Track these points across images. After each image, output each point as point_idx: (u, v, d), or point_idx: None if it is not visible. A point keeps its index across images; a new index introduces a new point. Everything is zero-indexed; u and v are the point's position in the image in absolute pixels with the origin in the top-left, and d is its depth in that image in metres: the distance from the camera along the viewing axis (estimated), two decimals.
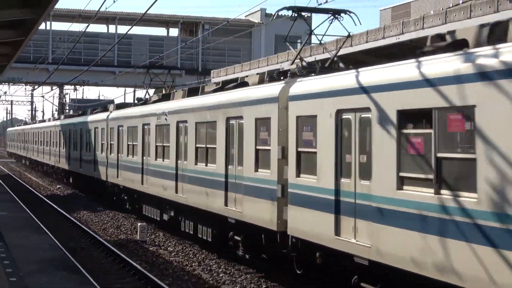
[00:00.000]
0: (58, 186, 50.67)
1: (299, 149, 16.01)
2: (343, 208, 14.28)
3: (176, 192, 24.10)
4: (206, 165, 21.46)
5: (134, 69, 56.15)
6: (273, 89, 17.34)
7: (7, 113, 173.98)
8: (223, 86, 22.43)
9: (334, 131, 14.59)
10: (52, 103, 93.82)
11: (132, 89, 77.55)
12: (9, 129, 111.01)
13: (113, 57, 65.59)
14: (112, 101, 72.76)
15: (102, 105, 50.71)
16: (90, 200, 39.61)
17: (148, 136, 28.18)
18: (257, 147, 17.87)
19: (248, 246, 19.26)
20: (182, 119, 23.77)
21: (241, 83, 20.96)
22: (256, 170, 17.90)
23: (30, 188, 47.74)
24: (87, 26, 35.76)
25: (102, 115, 37.69)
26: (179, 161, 24.14)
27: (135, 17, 61.88)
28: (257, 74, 20.19)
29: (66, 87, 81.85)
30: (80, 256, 20.92)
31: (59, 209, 33.69)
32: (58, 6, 23.72)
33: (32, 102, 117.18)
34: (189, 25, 70.88)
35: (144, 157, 28.69)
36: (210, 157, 21.27)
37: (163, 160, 25.98)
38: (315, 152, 15.28)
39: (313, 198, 15.24)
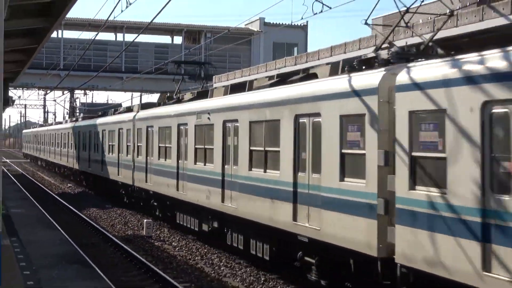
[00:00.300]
0: (69, 184, 50.15)
1: (414, 154, 11.71)
2: (499, 235, 10.03)
3: (223, 201, 19.76)
4: (265, 172, 17.14)
5: (141, 75, 56.22)
6: (370, 78, 13.06)
7: (21, 116, 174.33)
8: (284, 79, 18.08)
9: (480, 130, 10.42)
10: (64, 107, 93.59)
11: (138, 93, 77.62)
12: (24, 130, 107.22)
13: (120, 64, 65.19)
14: (120, 105, 72.76)
15: (111, 108, 50.23)
16: (99, 198, 39.37)
17: (184, 138, 23.64)
18: (343, 151, 13.67)
19: (325, 270, 15.11)
20: (230, 118, 19.45)
21: (309, 75, 16.66)
22: (341, 180, 13.71)
23: (43, 186, 47.12)
24: (97, 34, 35.65)
25: (128, 116, 32.81)
26: (226, 166, 19.73)
27: (142, 26, 61.67)
28: (327, 64, 16.12)
29: (76, 91, 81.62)
30: (89, 251, 20.52)
31: (70, 206, 33.27)
32: (69, 15, 23.62)
33: (44, 106, 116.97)
34: (192, 33, 70.51)
35: (179, 161, 24.12)
36: (271, 162, 16.93)
37: (204, 165, 21.50)
38: (443, 158, 11.02)
39: (442, 219, 11.01)
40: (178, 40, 70.61)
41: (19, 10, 18.00)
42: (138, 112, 31.27)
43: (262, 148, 17.46)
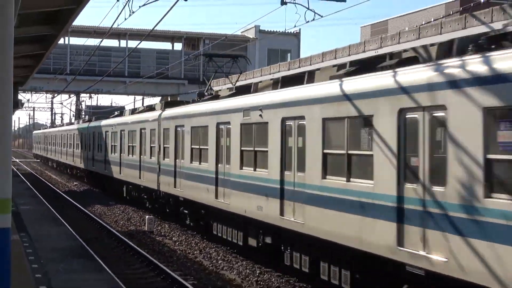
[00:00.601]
0: (75, 183, 50.30)
1: None
2: None
3: (282, 214, 15.69)
4: (348, 181, 13.07)
5: (143, 79, 56.16)
6: None
7: (29, 118, 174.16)
8: (366, 66, 13.83)
9: None
10: (70, 109, 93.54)
11: (140, 97, 77.48)
12: (35, 132, 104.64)
13: (124, 69, 65.02)
14: (123, 107, 72.66)
15: (115, 110, 49.84)
16: (103, 196, 39.42)
17: (226, 138, 19.56)
18: (489, 156, 9.64)
19: None
20: (292, 115, 15.35)
21: (407, 59, 12.64)
22: (487, 196, 9.65)
23: (50, 184, 47.26)
24: (101, 41, 35.52)
25: (152, 115, 28.74)
26: (286, 172, 15.63)
27: (144, 33, 61.59)
28: (431, 45, 12.32)
29: (82, 95, 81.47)
30: (94, 245, 20.52)
31: (75, 203, 33.49)
32: (75, 23, 23.53)
33: (52, 109, 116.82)
34: (192, 40, 70.42)
35: (219, 164, 20.03)
36: (357, 169, 12.98)
37: (254, 170, 17.46)
38: None
39: None
40: (178, 46, 70.57)
41: (28, 18, 17.95)
42: (163, 110, 27.24)
43: (342, 151, 13.31)
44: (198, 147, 22.08)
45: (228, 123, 19.29)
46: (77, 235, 21.11)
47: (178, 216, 25.30)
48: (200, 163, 21.81)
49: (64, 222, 23.99)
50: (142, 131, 29.99)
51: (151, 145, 28.29)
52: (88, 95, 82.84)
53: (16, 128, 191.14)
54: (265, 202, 16.60)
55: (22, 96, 73.13)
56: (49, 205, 29.73)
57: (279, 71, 38.67)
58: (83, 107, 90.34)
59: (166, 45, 73.79)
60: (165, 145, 26.18)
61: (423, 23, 29.47)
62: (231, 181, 18.92)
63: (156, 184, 27.08)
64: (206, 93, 25.05)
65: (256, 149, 17.41)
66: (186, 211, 24.05)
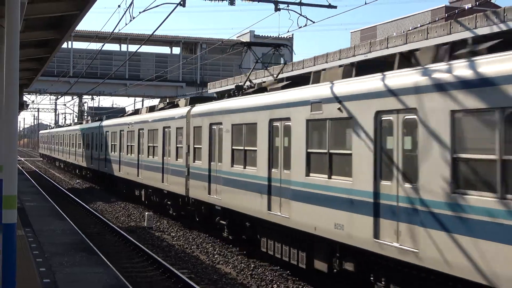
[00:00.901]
0: (77, 180, 50.26)
1: None
2: None
3: (376, 236, 11.67)
4: (504, 198, 8.93)
5: (143, 82, 56.14)
6: None
7: (34, 118, 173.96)
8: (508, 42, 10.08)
9: None
10: (73, 110, 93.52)
11: (140, 99, 77.37)
12: (41, 131, 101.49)
13: (124, 72, 65.08)
14: (123, 109, 72.52)
15: (118, 111, 49.47)
16: (104, 193, 39.42)
17: (283, 138, 15.58)
18: None
19: None
20: (393, 107, 11.37)
21: None
22: None
23: (54, 182, 47.23)
24: (103, 45, 35.52)
25: (178, 111, 24.39)
26: (383, 182, 11.63)
27: (144, 37, 61.65)
28: None
29: (84, 97, 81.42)
30: (96, 240, 20.58)
31: (78, 200, 33.45)
32: (78, 28, 23.52)
33: (55, 110, 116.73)
34: (189, 45, 70.41)
35: (273, 170, 16.03)
36: None
37: (329, 178, 13.34)
38: None
39: None
40: (176, 50, 70.57)
41: (33, 23, 17.95)
42: (193, 106, 23.00)
43: (492, 156, 9.19)
44: (241, 148, 18.03)
45: (287, 119, 15.28)
46: (79, 230, 21.10)
47: (212, 226, 21.34)
48: (244, 167, 17.81)
49: (67, 218, 23.96)
50: (166, 130, 25.81)
51: (178, 146, 24.31)
52: (90, 96, 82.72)
53: (21, 128, 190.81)
54: (347, 219, 12.64)
55: (27, 98, 72.93)
56: (52, 202, 29.69)
57: (272, 74, 38.70)
58: (86, 108, 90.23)
59: (165, 49, 73.85)
60: (196, 146, 22.11)
61: (410, 28, 29.54)
62: (292, 190, 14.93)
63: (184, 189, 23.06)
64: (245, 86, 20.69)
65: (331, 151, 13.41)
66: (224, 222, 19.74)
